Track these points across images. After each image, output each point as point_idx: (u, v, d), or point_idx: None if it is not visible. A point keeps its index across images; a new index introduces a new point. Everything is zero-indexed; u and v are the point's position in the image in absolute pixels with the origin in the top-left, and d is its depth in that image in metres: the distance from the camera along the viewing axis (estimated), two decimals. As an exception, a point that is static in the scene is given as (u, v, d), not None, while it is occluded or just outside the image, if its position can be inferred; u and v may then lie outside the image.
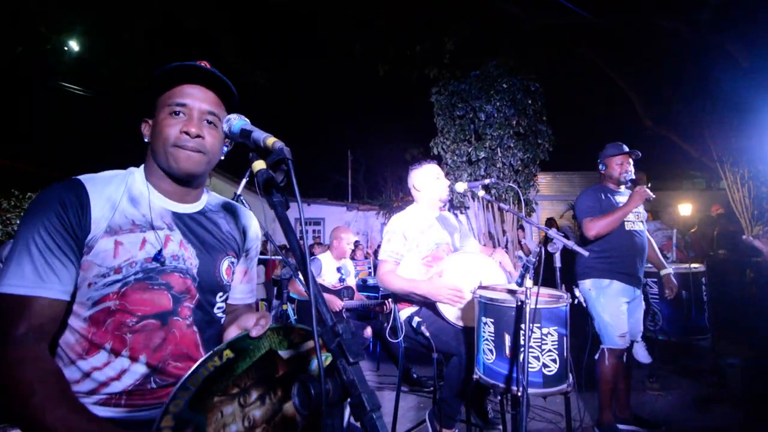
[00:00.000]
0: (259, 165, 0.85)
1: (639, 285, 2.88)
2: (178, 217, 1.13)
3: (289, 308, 3.63)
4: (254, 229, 1.32)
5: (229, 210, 1.28)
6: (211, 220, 1.21)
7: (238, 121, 0.94)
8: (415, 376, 3.78)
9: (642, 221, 2.92)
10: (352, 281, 4.30)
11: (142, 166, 1.14)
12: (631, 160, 2.95)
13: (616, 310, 2.76)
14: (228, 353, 0.89)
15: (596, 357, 2.81)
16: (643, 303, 2.99)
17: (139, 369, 1.01)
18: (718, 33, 6.51)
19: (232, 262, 1.22)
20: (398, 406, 2.60)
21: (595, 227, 2.78)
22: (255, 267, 1.35)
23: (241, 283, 1.29)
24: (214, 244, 1.17)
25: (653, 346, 4.02)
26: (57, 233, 0.96)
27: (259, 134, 0.86)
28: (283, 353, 0.96)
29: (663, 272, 3.17)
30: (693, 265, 3.79)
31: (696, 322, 3.70)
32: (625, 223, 2.84)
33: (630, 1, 6.93)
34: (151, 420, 0.99)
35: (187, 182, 1.14)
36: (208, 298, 1.14)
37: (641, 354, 4.10)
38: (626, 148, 2.97)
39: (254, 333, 0.93)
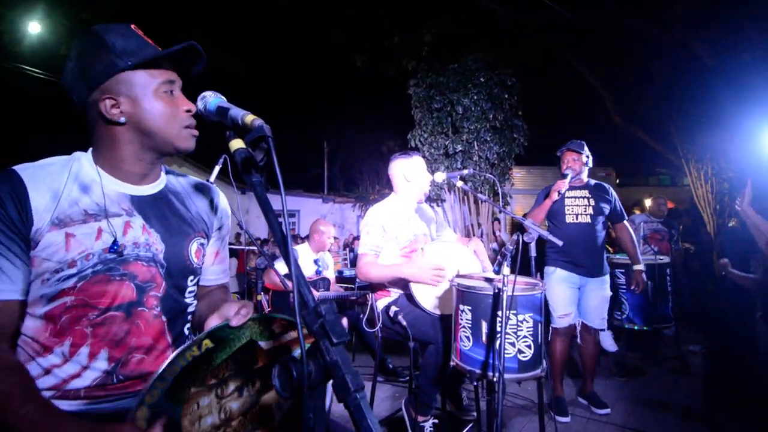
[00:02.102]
0: (237, 144, 0.82)
1: (588, 274, 3.01)
2: (137, 200, 1.04)
3: (263, 299, 3.58)
4: (223, 206, 1.24)
5: (195, 188, 1.19)
6: (176, 199, 1.13)
7: (214, 99, 0.90)
8: (391, 366, 3.80)
9: (590, 214, 3.03)
10: (330, 274, 4.27)
11: (89, 150, 1.04)
12: (573, 156, 3.07)
13: (557, 294, 3.02)
14: (207, 343, 0.86)
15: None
16: (608, 292, 3.08)
17: (101, 365, 0.96)
18: (686, 34, 6.72)
19: (202, 244, 1.15)
20: (374, 395, 2.61)
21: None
22: (227, 247, 1.28)
23: (213, 264, 1.23)
24: (180, 226, 1.10)
25: (620, 334, 4.17)
26: None
27: (236, 111, 0.83)
28: (264, 344, 0.94)
29: (635, 267, 3.27)
30: (658, 257, 3.94)
31: (660, 312, 3.85)
32: (567, 216, 3.05)
33: (602, 1, 7.08)
34: (112, 413, 0.96)
35: (158, 160, 1.08)
36: (177, 284, 1.07)
37: (608, 343, 4.25)
38: (570, 145, 3.11)
39: (234, 322, 0.89)
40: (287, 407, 0.96)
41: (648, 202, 5.19)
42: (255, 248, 4.75)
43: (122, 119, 0.98)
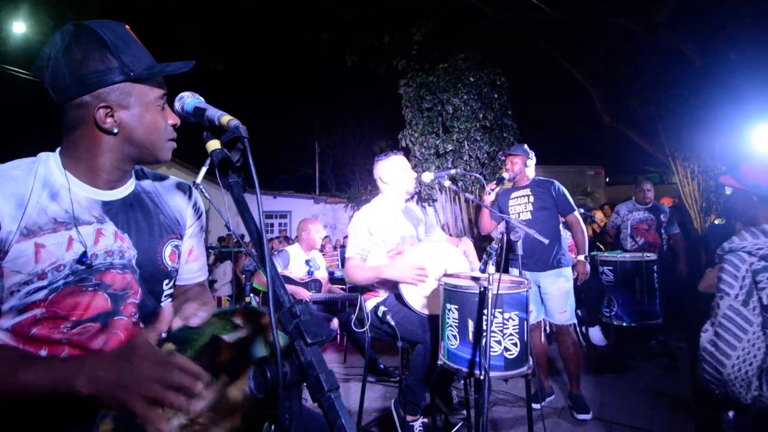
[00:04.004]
0: (213, 145, 0.82)
1: (535, 268, 3.05)
2: (108, 206, 1.00)
3: (253, 300, 3.56)
4: (197, 203, 1.21)
5: (167, 187, 1.16)
6: (147, 200, 1.09)
7: (191, 99, 0.90)
8: (382, 366, 3.80)
9: (530, 210, 3.12)
10: (322, 274, 4.25)
11: (57, 151, 0.99)
12: (511, 158, 3.22)
13: None
14: (169, 346, 0.85)
15: None
16: (564, 285, 3.03)
17: None
18: (674, 34, 6.80)
19: (176, 246, 1.11)
20: (364, 395, 2.61)
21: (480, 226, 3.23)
22: (202, 244, 1.25)
23: (188, 263, 1.18)
24: (152, 229, 1.07)
25: (609, 331, 4.21)
26: None
27: (213, 112, 0.83)
28: (227, 337, 0.92)
29: (577, 258, 3.24)
30: (645, 254, 3.98)
31: (648, 308, 3.89)
32: (510, 216, 3.15)
33: (590, 1, 7.15)
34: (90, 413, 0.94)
35: (134, 168, 1.06)
36: (153, 289, 1.05)
37: (596, 337, 4.31)
38: (510, 149, 3.29)
39: (193, 323, 0.87)
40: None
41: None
42: (243, 250, 4.71)
43: (115, 129, 0.95)
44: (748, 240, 1.45)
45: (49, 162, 0.97)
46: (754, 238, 1.45)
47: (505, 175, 3.18)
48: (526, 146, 3.24)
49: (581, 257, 3.20)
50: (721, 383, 1.39)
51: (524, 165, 3.19)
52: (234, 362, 0.87)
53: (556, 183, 3.18)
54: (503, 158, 3.32)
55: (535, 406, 2.84)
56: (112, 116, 0.94)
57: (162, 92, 1.00)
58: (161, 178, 1.17)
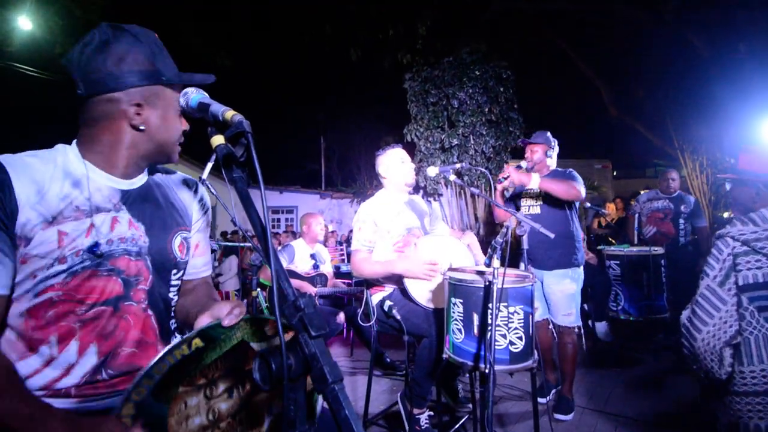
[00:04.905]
0: (217, 140, 0.83)
1: (542, 266, 2.91)
2: (125, 194, 1.05)
3: (260, 295, 3.58)
4: (204, 199, 1.27)
5: (176, 182, 1.22)
6: (160, 192, 1.14)
7: (195, 95, 0.91)
8: (388, 360, 3.82)
9: (539, 204, 2.98)
10: (327, 268, 4.28)
11: (74, 143, 1.03)
12: (530, 147, 3.06)
13: None
14: (197, 342, 0.86)
15: None
16: (569, 287, 2.89)
17: (89, 360, 0.96)
18: (682, 24, 6.71)
19: (186, 238, 1.16)
20: (370, 388, 2.63)
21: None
22: (207, 240, 1.30)
23: (193, 257, 1.23)
24: (164, 219, 1.12)
25: (616, 326, 4.19)
26: None
27: (217, 107, 0.84)
28: (256, 345, 0.93)
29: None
30: (653, 248, 3.94)
31: (655, 302, 3.86)
32: (522, 208, 3.04)
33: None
34: (103, 410, 0.95)
35: (147, 164, 1.12)
36: (163, 278, 1.09)
37: (603, 332, 4.30)
38: (531, 138, 3.11)
39: (227, 322, 0.89)
40: (277, 411, 0.95)
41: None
42: (250, 245, 4.73)
43: (142, 126, 1.02)
44: (737, 226, 1.51)
45: (67, 152, 1.02)
46: (743, 225, 1.51)
47: (523, 164, 3.02)
48: (548, 134, 3.04)
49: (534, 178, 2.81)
50: (695, 358, 1.49)
51: (545, 155, 3.00)
52: None
53: (572, 173, 2.98)
54: (523, 146, 3.14)
55: (540, 399, 2.83)
56: (141, 114, 1.01)
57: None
58: (170, 172, 1.22)
